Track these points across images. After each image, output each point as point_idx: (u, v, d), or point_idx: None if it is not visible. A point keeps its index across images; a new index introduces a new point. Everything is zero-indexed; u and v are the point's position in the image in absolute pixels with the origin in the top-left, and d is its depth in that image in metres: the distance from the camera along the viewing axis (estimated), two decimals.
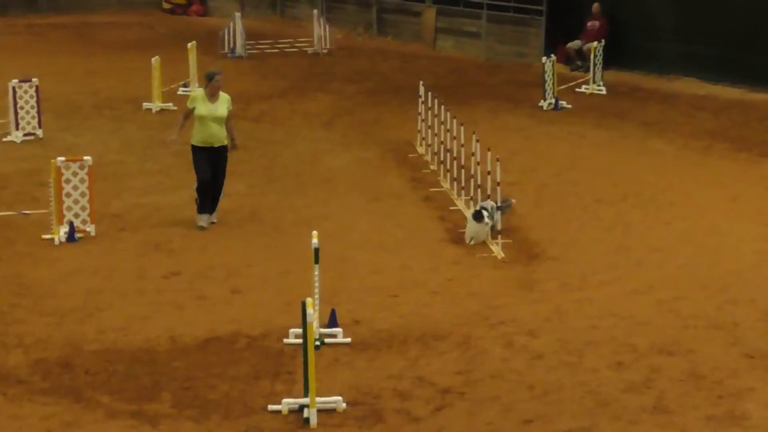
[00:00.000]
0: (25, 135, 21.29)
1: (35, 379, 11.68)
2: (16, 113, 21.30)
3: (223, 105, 16.41)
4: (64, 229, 15.84)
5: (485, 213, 15.84)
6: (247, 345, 12.51)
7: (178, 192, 18.26)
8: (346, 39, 32.81)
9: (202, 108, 16.29)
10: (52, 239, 15.80)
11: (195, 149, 16.49)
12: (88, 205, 15.99)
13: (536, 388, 11.54)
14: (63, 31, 35.32)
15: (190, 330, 12.86)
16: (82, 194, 15.94)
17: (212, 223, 16.56)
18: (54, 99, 23.43)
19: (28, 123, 21.37)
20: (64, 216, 15.90)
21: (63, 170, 15.92)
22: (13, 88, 21.26)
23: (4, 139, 21.20)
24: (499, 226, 16.10)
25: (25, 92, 21.25)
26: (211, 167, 16.36)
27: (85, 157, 16.11)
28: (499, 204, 16.15)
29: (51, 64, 28.48)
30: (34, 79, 21.49)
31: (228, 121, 16.55)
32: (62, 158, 16.10)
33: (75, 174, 15.92)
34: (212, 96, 16.39)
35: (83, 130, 22.29)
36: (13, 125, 21.33)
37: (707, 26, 26.60)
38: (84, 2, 39.07)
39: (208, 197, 16.46)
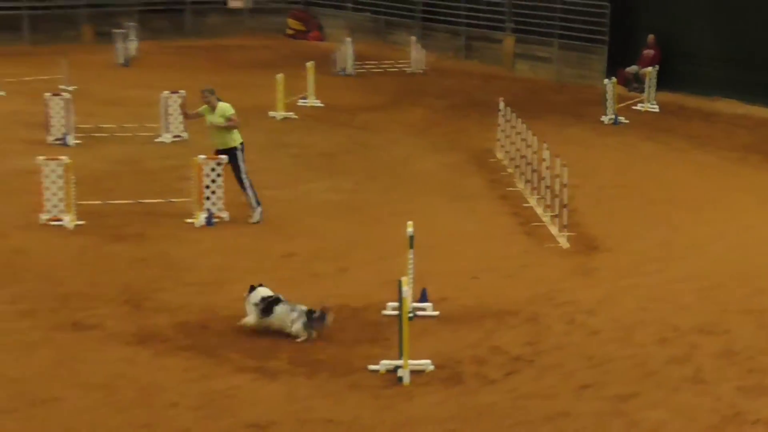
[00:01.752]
0: (173, 137, 21.60)
1: (178, 337, 11.87)
2: (166, 119, 21.64)
3: (218, 115, 16.34)
4: (203, 215, 16.04)
5: (285, 309, 12.00)
6: (351, 315, 12.58)
7: (294, 187, 18.42)
8: (438, 61, 32.72)
9: (208, 117, 16.51)
10: (193, 223, 16.02)
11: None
12: (222, 196, 16.17)
13: (592, 358, 11.48)
14: (204, 52, 35.67)
15: (304, 301, 12.90)
16: (218, 186, 16.12)
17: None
18: (196, 107, 23.68)
19: (176, 127, 21.68)
20: (203, 204, 16.11)
21: (203, 166, 16.13)
22: (164, 98, 21.59)
23: (155, 140, 21.50)
24: (299, 333, 11.88)
25: (174, 102, 21.55)
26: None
27: (221, 157, 16.29)
28: (314, 314, 11.95)
29: (194, 79, 28.74)
30: (181, 91, 21.77)
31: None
32: (203, 156, 16.30)
33: (213, 170, 16.12)
34: (212, 108, 16.42)
35: None
36: (163, 129, 21.66)
37: (745, 54, 26.23)
38: (221, 28, 39.44)
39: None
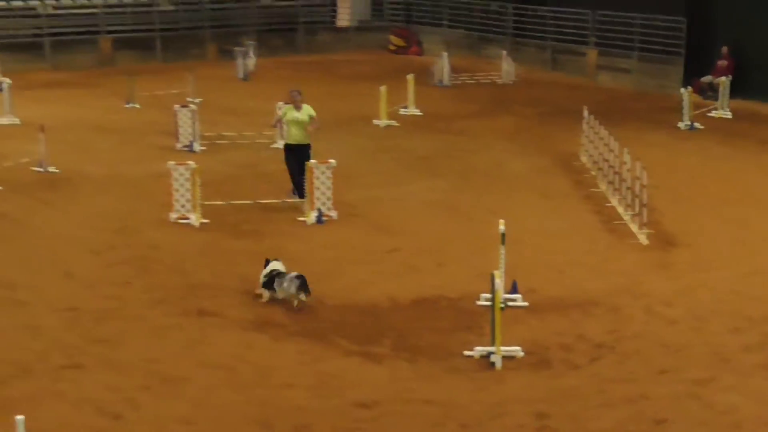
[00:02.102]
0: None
1: (291, 324, 11.95)
2: (281, 127, 21.73)
3: (304, 113, 16.83)
4: (314, 214, 16.12)
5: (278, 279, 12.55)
6: (448, 305, 12.54)
7: (396, 187, 18.39)
8: (527, 73, 32.44)
9: (289, 115, 16.91)
10: (305, 221, 16.12)
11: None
12: (331, 196, 16.24)
13: (670, 346, 11.26)
14: (315, 66, 35.93)
15: (405, 293, 12.95)
16: (328, 188, 16.19)
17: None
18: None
19: None
20: (314, 204, 16.20)
21: (314, 170, 16.21)
22: (279, 108, 21.74)
23: (271, 146, 21.67)
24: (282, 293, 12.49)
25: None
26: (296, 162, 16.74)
27: (330, 160, 16.36)
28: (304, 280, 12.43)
29: (306, 91, 28.84)
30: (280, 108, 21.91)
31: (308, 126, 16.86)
32: (314, 161, 16.39)
33: (323, 172, 16.19)
34: (297, 107, 16.85)
35: (328, 140, 22.55)
36: (278, 136, 21.80)
37: None
38: (330, 45, 39.69)
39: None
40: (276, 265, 12.69)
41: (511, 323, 11.68)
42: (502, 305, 11.52)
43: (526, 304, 12.48)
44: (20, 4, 36.01)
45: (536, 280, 13.27)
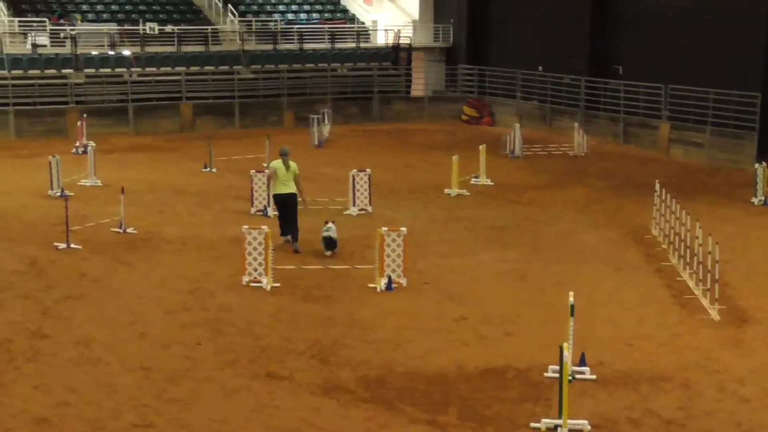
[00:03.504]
0: (359, 210, 21.91)
1: (359, 390, 11.89)
2: (353, 194, 21.99)
3: (292, 169, 18.62)
4: (383, 281, 16.12)
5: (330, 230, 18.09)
6: (516, 375, 12.38)
7: (466, 256, 18.34)
8: (599, 145, 32.37)
9: (281, 170, 18.50)
10: (375, 287, 16.11)
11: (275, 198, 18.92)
12: (402, 264, 16.25)
13: (743, 425, 10.95)
14: (388, 135, 36.27)
15: (473, 361, 12.84)
16: (398, 255, 16.20)
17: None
18: (380, 184, 24.04)
19: (362, 201, 22.00)
20: (384, 271, 16.21)
21: (385, 237, 16.24)
22: (353, 175, 21.97)
23: (344, 212, 21.84)
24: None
25: (361, 179, 21.92)
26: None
27: (402, 228, 16.39)
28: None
29: (379, 159, 29.27)
30: (367, 170, 22.14)
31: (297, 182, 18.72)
32: (385, 228, 16.44)
33: (393, 240, 16.21)
34: (287, 165, 18.55)
35: (400, 208, 22.74)
36: (351, 202, 22.01)
37: None
38: (404, 114, 40.08)
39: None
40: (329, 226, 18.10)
41: (578, 396, 11.49)
42: (570, 378, 11.34)
43: (594, 377, 12.27)
44: (108, 71, 37.05)
45: (605, 353, 13.06)
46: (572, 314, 12.15)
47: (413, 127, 38.02)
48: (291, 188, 18.53)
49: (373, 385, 12.01)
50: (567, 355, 10.47)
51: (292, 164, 18.55)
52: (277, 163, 18.63)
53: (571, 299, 12.15)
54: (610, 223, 21.40)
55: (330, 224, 18.26)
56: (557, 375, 11.04)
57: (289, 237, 18.52)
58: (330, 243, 18.02)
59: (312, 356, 12.98)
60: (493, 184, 25.67)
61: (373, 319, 14.57)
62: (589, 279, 16.85)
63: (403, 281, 16.22)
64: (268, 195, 20.36)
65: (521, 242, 19.52)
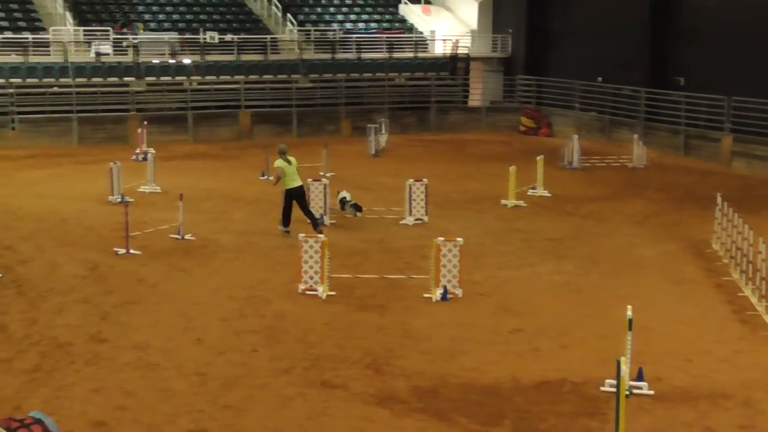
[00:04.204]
0: (415, 220, 21.90)
1: (413, 400, 11.86)
2: (410, 204, 21.98)
3: (294, 163, 20.34)
4: (439, 291, 16.08)
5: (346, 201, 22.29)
6: (571, 389, 12.27)
7: (522, 268, 18.23)
8: (659, 157, 32.01)
9: (287, 167, 20.14)
10: (430, 298, 16.07)
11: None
12: (457, 274, 16.19)
13: None
14: (445, 145, 36.23)
15: (528, 374, 12.74)
16: (454, 266, 16.15)
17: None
18: (436, 194, 23.99)
19: (418, 211, 21.98)
20: (440, 281, 16.17)
21: (441, 247, 16.21)
22: (409, 185, 21.97)
23: (400, 222, 21.86)
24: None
25: (417, 188, 21.91)
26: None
27: (458, 239, 16.35)
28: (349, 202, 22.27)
29: (435, 169, 29.22)
30: (424, 180, 22.13)
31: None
32: (441, 238, 16.40)
33: (450, 250, 16.17)
34: (288, 161, 20.19)
35: (456, 218, 22.69)
36: (407, 212, 22.01)
37: None
38: (461, 125, 40.03)
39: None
40: (344, 194, 22.17)
41: (635, 412, 11.35)
42: (628, 393, 11.20)
43: (652, 392, 12.11)
44: (168, 79, 37.51)
45: (663, 369, 12.88)
46: (630, 329, 12.00)
47: (470, 138, 37.94)
48: (299, 181, 20.31)
49: (427, 396, 11.97)
50: (624, 369, 10.34)
51: (293, 159, 20.30)
52: (281, 162, 20.15)
53: (629, 313, 12.01)
54: (669, 236, 21.14)
55: (343, 192, 22.58)
56: (614, 389, 10.92)
57: (289, 229, 20.23)
58: (358, 207, 22.12)
59: (366, 365, 12.99)
60: (550, 195, 25.51)
61: (428, 330, 14.53)
62: (647, 293, 16.65)
63: (459, 292, 16.16)
64: (287, 200, 20.79)
65: (578, 254, 19.35)
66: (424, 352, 13.54)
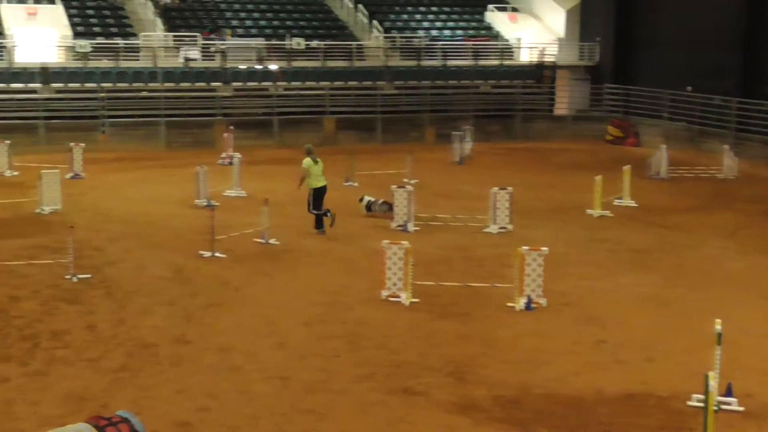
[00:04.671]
0: (499, 228, 21.79)
1: (494, 409, 11.80)
2: (494, 212, 21.88)
3: (320, 163, 21.22)
4: (523, 300, 15.97)
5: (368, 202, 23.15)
6: (657, 403, 12.06)
7: (607, 279, 18.00)
8: (750, 168, 31.33)
9: (313, 167, 21.04)
10: (513, 307, 15.97)
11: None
12: (542, 284, 16.06)
13: None
14: (530, 153, 36.01)
15: (612, 386, 12.58)
16: (538, 275, 16.02)
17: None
18: (521, 203, 23.83)
19: (503, 220, 21.87)
20: (523, 290, 16.06)
21: (525, 256, 16.09)
22: (494, 193, 21.87)
23: (484, 230, 21.77)
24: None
25: (502, 197, 21.80)
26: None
27: (543, 248, 16.21)
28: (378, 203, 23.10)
29: (520, 177, 29.06)
30: (509, 188, 22.01)
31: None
32: (526, 247, 16.28)
33: (534, 260, 16.05)
34: (315, 161, 21.10)
35: (540, 227, 22.50)
36: (491, 221, 21.91)
37: None
38: (546, 133, 39.73)
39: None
40: (368, 198, 22.94)
41: (724, 428, 11.12)
42: (716, 408, 10.97)
43: (741, 408, 11.84)
44: (254, 84, 37.98)
45: (754, 385, 12.59)
46: (719, 343, 11.76)
47: (555, 146, 37.64)
48: (324, 181, 21.22)
49: (509, 406, 11.90)
50: (713, 384, 10.14)
51: (319, 159, 21.12)
52: (308, 162, 20.99)
53: (718, 327, 11.77)
54: (760, 249, 20.66)
55: (366, 197, 23.51)
56: (701, 404, 10.71)
57: (324, 228, 21.23)
58: (389, 204, 22.34)
59: (448, 373, 12.95)
60: (636, 205, 25.16)
61: (511, 339, 14.45)
62: (736, 307, 16.29)
63: (543, 301, 16.02)
64: (310, 199, 21.49)
65: (664, 266, 19.04)
66: (507, 362, 13.45)
